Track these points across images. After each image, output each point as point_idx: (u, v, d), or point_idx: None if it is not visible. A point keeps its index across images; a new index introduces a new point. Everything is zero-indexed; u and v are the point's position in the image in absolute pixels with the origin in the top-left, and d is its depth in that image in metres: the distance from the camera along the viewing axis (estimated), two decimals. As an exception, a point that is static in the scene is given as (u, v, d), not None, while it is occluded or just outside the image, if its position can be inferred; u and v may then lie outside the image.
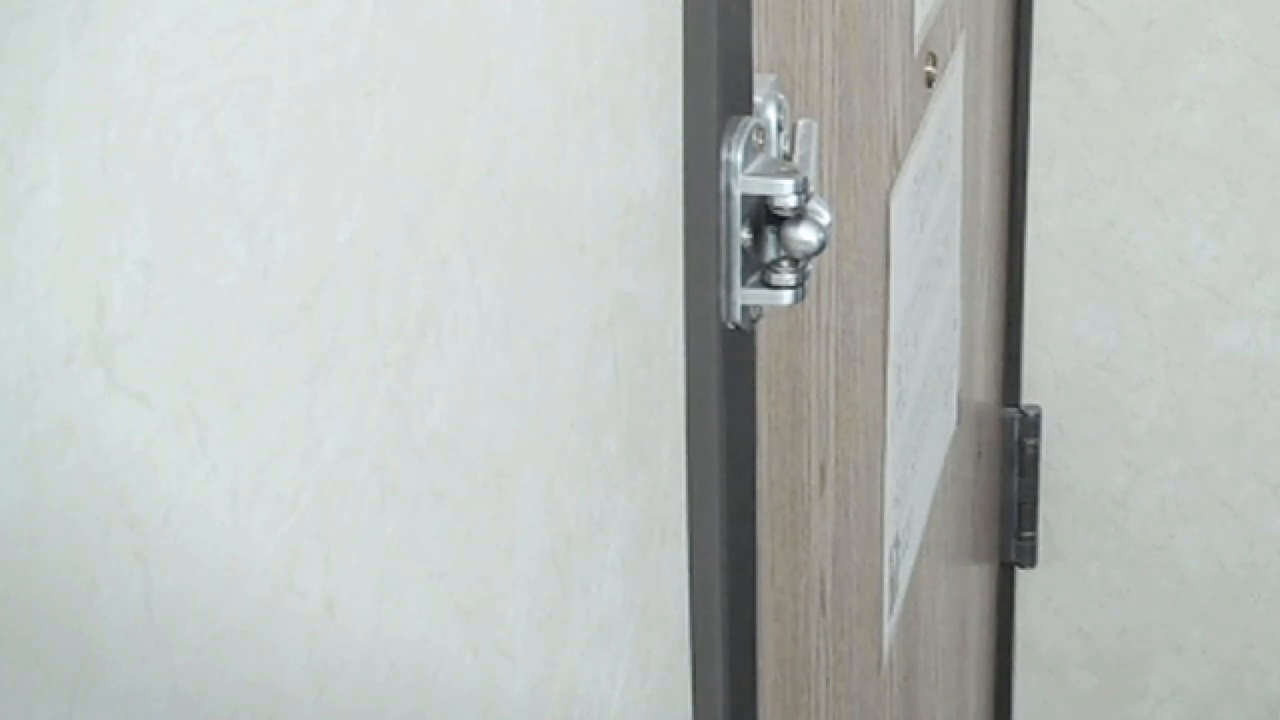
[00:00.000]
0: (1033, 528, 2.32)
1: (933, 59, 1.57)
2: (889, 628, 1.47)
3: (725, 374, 0.91)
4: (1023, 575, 2.35)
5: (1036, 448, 2.29)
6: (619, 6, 0.78)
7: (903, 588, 1.53)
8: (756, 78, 0.95)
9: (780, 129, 0.95)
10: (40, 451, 0.42)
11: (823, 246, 0.92)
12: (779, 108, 0.95)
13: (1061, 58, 2.18)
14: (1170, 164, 2.20)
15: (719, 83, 0.88)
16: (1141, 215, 2.21)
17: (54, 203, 0.42)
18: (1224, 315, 2.23)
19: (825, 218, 0.92)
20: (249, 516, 0.50)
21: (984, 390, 2.08)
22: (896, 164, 1.41)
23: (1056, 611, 2.37)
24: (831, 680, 1.27)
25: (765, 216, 0.92)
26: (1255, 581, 2.32)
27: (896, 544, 1.49)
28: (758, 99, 0.94)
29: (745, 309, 0.93)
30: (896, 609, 1.50)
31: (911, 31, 1.46)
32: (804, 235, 0.92)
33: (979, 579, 2.15)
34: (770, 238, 0.92)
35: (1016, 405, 2.28)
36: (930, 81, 1.57)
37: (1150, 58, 2.17)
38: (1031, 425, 2.28)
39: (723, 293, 0.91)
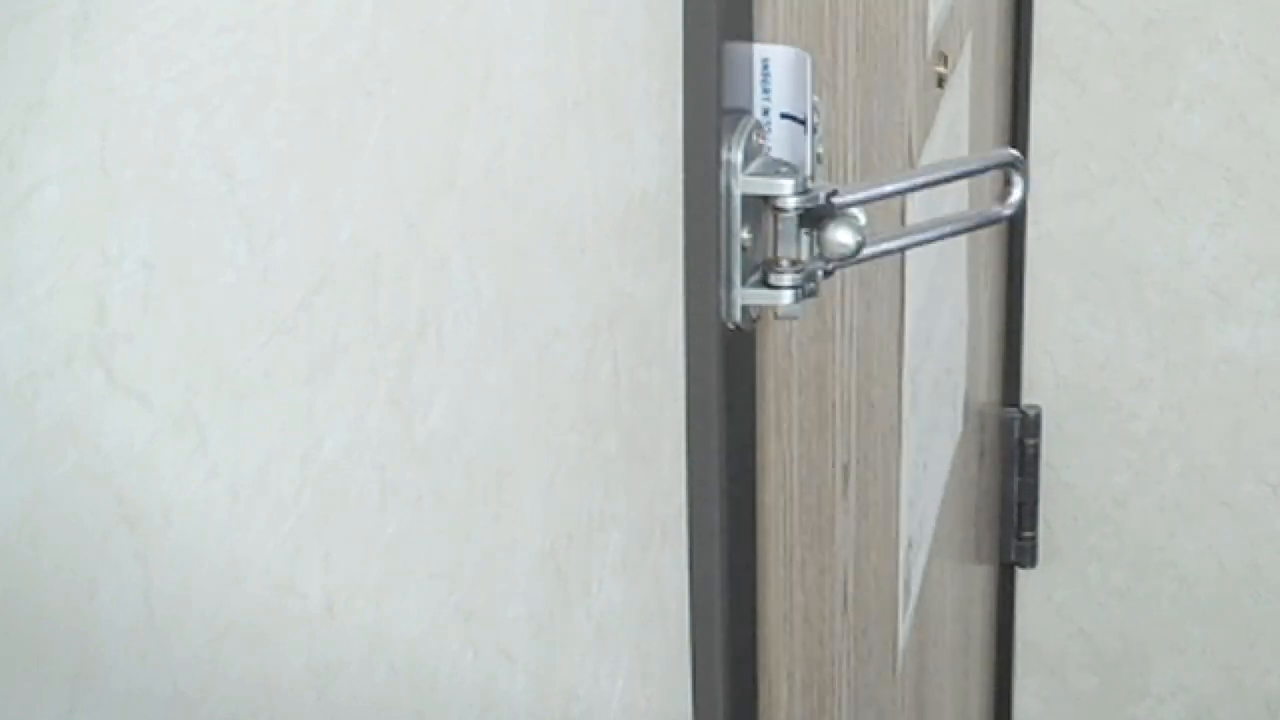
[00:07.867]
0: (1033, 528, 2.32)
1: (944, 59, 1.57)
2: (903, 630, 1.47)
3: (725, 374, 0.91)
4: (1023, 575, 2.35)
5: (1036, 448, 2.29)
6: (619, 6, 0.78)
7: (915, 590, 1.53)
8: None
9: (815, 130, 0.95)
10: (40, 451, 0.42)
11: (859, 249, 0.91)
12: (814, 109, 0.94)
13: (1061, 58, 2.18)
14: (1170, 164, 2.20)
15: (718, 81, 0.88)
16: (1141, 215, 2.21)
17: (54, 203, 0.42)
18: (1224, 315, 2.23)
19: (861, 218, 0.92)
20: (249, 516, 0.50)
21: (985, 390, 2.08)
22: (912, 163, 1.40)
23: (1057, 611, 2.37)
24: (852, 683, 1.27)
25: (803, 218, 0.91)
26: (1255, 581, 2.32)
27: (910, 546, 1.49)
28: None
29: (745, 309, 0.93)
30: (910, 611, 1.50)
31: (925, 31, 1.46)
32: (841, 238, 0.91)
33: (980, 579, 2.15)
34: (804, 240, 0.91)
35: (1016, 405, 2.28)
36: (941, 82, 1.56)
37: (1150, 58, 2.17)
38: (1031, 425, 2.28)
39: (723, 293, 0.91)
